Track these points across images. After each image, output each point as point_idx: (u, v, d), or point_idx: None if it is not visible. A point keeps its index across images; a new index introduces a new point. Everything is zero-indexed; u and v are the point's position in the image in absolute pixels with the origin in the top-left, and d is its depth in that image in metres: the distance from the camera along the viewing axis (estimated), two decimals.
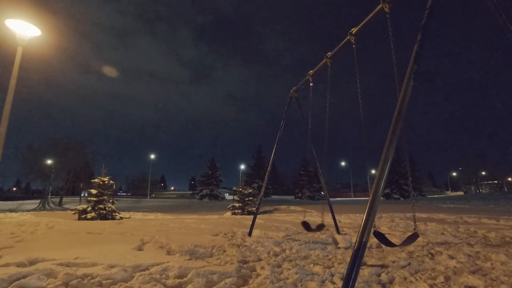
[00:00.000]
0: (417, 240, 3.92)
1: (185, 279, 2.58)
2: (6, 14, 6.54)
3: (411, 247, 3.97)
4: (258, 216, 5.95)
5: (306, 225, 4.69)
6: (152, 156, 52.40)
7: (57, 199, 34.26)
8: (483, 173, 56.06)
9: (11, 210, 16.51)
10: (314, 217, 10.12)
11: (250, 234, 5.34)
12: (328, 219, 8.94)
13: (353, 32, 3.70)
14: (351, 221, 8.57)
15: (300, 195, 47.31)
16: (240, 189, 14.26)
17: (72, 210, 10.25)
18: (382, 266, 3.02)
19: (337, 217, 5.97)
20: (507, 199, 22.77)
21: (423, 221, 7.75)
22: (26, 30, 6.80)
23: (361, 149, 3.88)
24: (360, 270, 2.78)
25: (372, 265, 3.09)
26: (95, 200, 9.56)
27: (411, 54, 2.21)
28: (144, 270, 2.84)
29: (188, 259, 3.35)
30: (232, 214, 13.21)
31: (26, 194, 64.32)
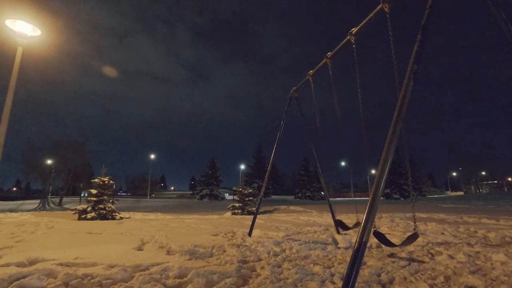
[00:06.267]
0: (417, 240, 3.92)
1: (185, 279, 2.58)
2: (6, 14, 6.54)
3: (411, 247, 3.97)
4: (258, 216, 5.95)
5: (342, 225, 4.65)
6: (152, 156, 52.43)
7: (57, 199, 34.24)
8: (483, 173, 56.07)
9: (11, 210, 16.51)
10: (314, 217, 10.12)
11: (250, 234, 5.34)
12: (328, 219, 8.96)
13: (353, 32, 3.69)
14: (351, 221, 8.55)
15: (300, 195, 47.35)
16: (240, 189, 14.25)
17: (72, 210, 10.24)
18: (382, 266, 3.02)
19: (337, 217, 5.97)
20: (507, 199, 22.78)
21: (423, 221, 7.75)
22: (26, 30, 6.80)
23: (361, 149, 3.88)
24: (360, 270, 2.78)
25: (372, 265, 3.09)
26: (95, 200, 9.56)
27: (411, 54, 2.21)
28: (144, 270, 2.84)
29: (188, 259, 3.35)
30: (232, 214, 13.21)
31: (26, 194, 64.28)
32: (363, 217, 1.89)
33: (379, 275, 2.71)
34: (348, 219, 9.15)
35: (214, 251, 3.81)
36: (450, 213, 11.34)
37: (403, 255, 3.58)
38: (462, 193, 58.88)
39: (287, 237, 5.07)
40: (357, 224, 4.53)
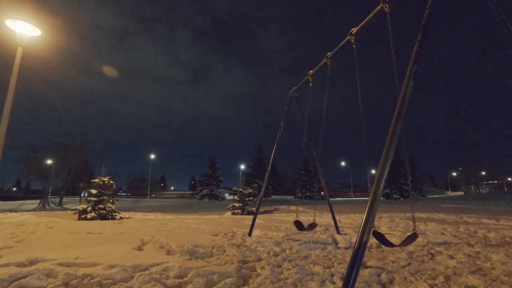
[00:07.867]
0: (417, 240, 3.92)
1: (185, 279, 2.58)
2: (6, 14, 6.54)
3: (411, 247, 3.97)
4: (258, 216, 5.95)
5: (298, 225, 4.73)
6: (152, 156, 52.44)
7: (57, 199, 34.24)
8: (483, 173, 56.05)
9: (11, 210, 16.50)
10: (313, 217, 10.11)
11: (250, 234, 5.34)
12: (328, 219, 8.97)
13: (353, 32, 3.70)
14: (351, 221, 8.57)
15: (300, 195, 47.34)
16: (240, 189, 14.25)
17: (72, 210, 10.24)
18: (382, 266, 3.02)
19: (337, 217, 5.97)
20: (507, 199, 22.78)
21: (423, 221, 7.75)
22: (26, 30, 6.80)
23: (361, 149, 3.88)
24: (360, 270, 2.78)
25: (372, 265, 3.09)
26: (95, 200, 9.56)
27: (411, 54, 2.21)
28: (144, 270, 2.84)
29: (188, 259, 3.35)
30: (232, 214, 13.21)
31: (26, 194, 64.28)
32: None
33: (379, 275, 2.71)
34: (348, 219, 9.16)
35: (214, 251, 3.81)
36: (450, 213, 11.34)
37: (403, 255, 3.58)
38: (462, 193, 58.87)
39: (287, 237, 5.08)
40: (312, 225, 4.58)
